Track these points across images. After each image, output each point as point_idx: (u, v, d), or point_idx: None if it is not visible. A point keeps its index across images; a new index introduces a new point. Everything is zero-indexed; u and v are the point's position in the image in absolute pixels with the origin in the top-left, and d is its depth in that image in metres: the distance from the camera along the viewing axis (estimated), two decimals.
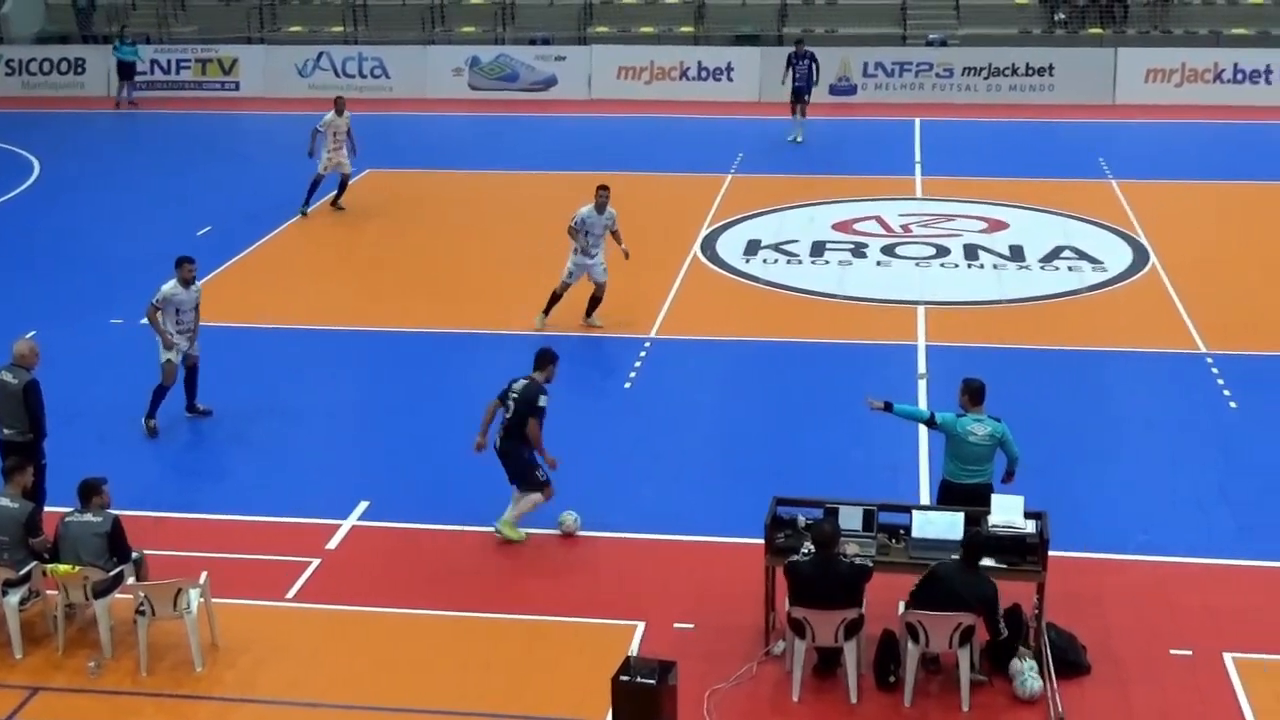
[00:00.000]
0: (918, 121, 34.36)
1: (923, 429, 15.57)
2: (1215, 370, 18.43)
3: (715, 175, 29.11)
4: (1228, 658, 12.10)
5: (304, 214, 26.56)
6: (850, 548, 11.99)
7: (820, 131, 32.61)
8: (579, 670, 12.04)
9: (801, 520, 12.49)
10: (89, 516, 12.44)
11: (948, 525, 12.07)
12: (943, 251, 23.79)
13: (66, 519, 12.49)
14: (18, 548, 12.48)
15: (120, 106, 37.86)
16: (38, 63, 40.12)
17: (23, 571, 12.46)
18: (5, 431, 13.97)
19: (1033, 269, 22.87)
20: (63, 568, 12.28)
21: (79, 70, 39.85)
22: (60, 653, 12.40)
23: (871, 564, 11.86)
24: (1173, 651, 12.23)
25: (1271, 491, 15.22)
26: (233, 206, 27.36)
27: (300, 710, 11.69)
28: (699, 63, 38.10)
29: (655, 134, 34.11)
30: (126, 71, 37.90)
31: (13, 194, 29.10)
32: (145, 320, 17.07)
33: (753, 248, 24.07)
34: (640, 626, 12.68)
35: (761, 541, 12.40)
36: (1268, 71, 36.09)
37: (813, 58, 32.47)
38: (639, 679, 10.72)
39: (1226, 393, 17.75)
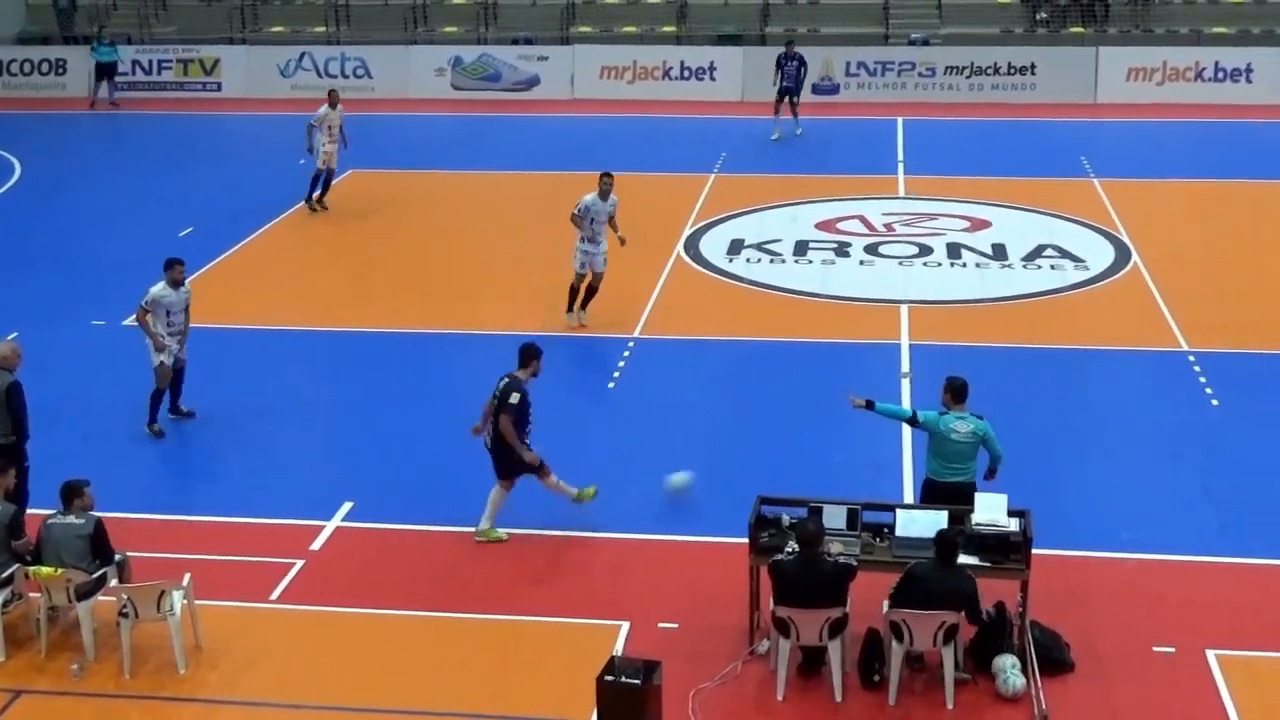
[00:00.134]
0: (900, 121, 34.41)
1: (906, 428, 15.59)
2: (1197, 368, 18.49)
3: (698, 175, 29.12)
4: (1210, 654, 12.14)
5: (320, 207, 26.73)
6: (834, 547, 12.01)
7: (803, 131, 32.61)
8: (564, 670, 12.04)
9: (786, 519, 12.51)
10: (71, 519, 12.41)
11: (931, 524, 12.08)
12: (926, 250, 23.83)
13: (49, 521, 12.45)
14: (0, 550, 12.44)
15: (96, 107, 37.74)
16: (18, 63, 39.99)
17: (5, 574, 12.42)
18: None
19: (1015, 268, 22.92)
20: (45, 570, 12.24)
21: (60, 71, 39.73)
22: (43, 655, 12.36)
23: (856, 563, 11.88)
24: (1156, 648, 12.27)
25: (1253, 488, 15.28)
26: (215, 207, 27.30)
27: (284, 712, 11.66)
28: (681, 62, 38.11)
29: (638, 134, 34.11)
30: (105, 72, 37.81)
31: None
32: (134, 322, 16.96)
33: (736, 247, 24.09)
34: (625, 626, 12.68)
35: (746, 541, 12.41)
36: (1248, 70, 36.22)
37: (801, 59, 32.58)
38: (624, 679, 10.72)
39: (1209, 390, 17.81)
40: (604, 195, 19.90)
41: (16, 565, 12.46)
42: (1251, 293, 21.47)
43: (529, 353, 14.26)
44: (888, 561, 12.02)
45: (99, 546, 12.40)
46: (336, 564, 13.96)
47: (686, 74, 38.00)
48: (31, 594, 12.54)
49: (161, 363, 16.75)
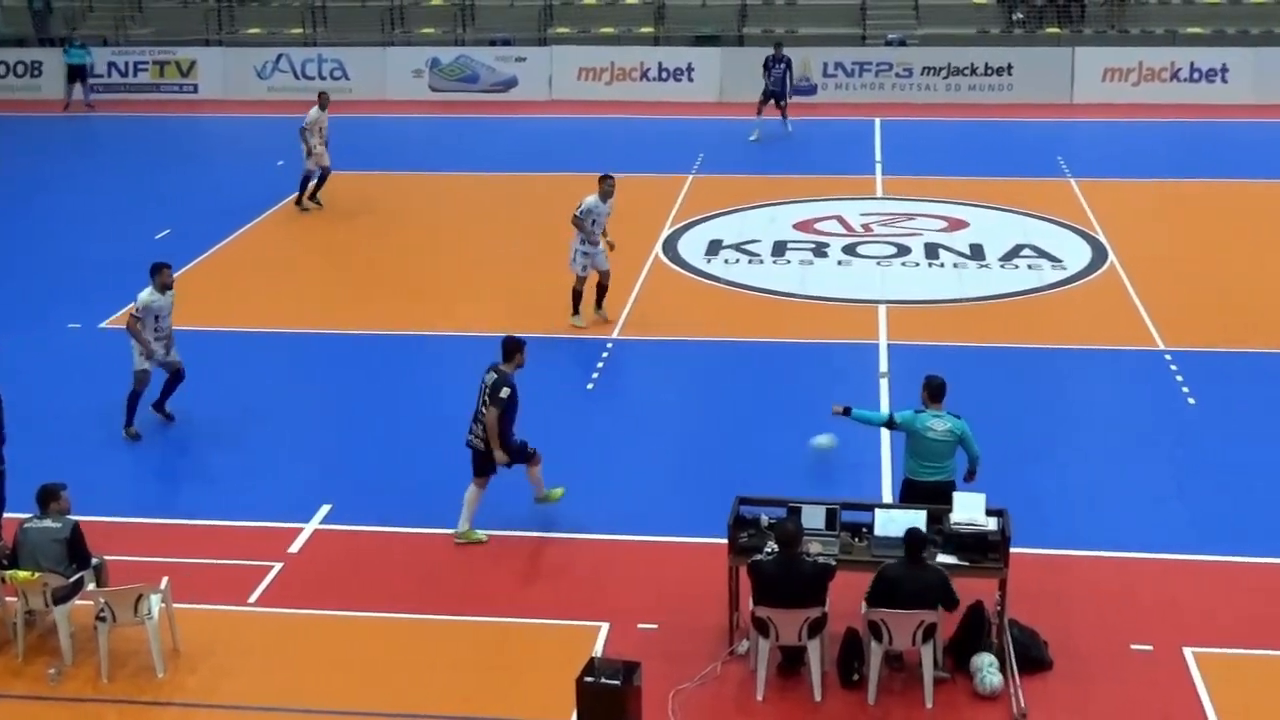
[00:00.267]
0: (878, 121, 34.47)
1: (884, 432, 15.63)
2: (1174, 367, 18.57)
3: (676, 175, 29.13)
4: (1187, 652, 12.20)
5: (315, 204, 26.91)
6: (813, 547, 12.02)
7: (781, 131, 32.67)
8: (543, 672, 12.03)
9: (764, 520, 12.52)
10: (48, 523, 12.35)
11: (910, 523, 12.08)
12: (903, 250, 23.88)
13: (25, 525, 12.40)
14: None
15: (70, 109, 37.60)
16: None
17: None
18: None
19: (993, 267, 22.99)
20: (22, 574, 12.18)
21: (35, 73, 39.56)
22: (20, 660, 12.31)
23: (835, 563, 11.89)
24: (1133, 646, 12.32)
25: (1230, 486, 15.35)
26: (192, 209, 27.22)
27: (263, 715, 11.64)
28: (659, 63, 38.13)
29: (616, 135, 34.10)
30: (76, 74, 37.67)
31: None
32: (125, 329, 16.78)
33: (714, 248, 24.11)
34: (604, 628, 12.68)
35: (725, 541, 12.42)
36: (1224, 70, 36.38)
37: (789, 62, 32.71)
38: (604, 680, 10.73)
39: (1185, 389, 17.88)
40: (605, 197, 19.96)
41: None
42: (1227, 291, 21.56)
43: (514, 346, 14.25)
44: (867, 561, 12.04)
45: (76, 550, 12.35)
46: (315, 566, 13.93)
47: (664, 75, 38.02)
48: (8, 598, 12.48)
49: (145, 370, 16.69)
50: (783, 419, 17.19)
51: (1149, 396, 17.86)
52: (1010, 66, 36.94)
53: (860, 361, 18.91)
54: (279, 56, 39.03)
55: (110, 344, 19.78)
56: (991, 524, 12.18)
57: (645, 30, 39.97)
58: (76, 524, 12.41)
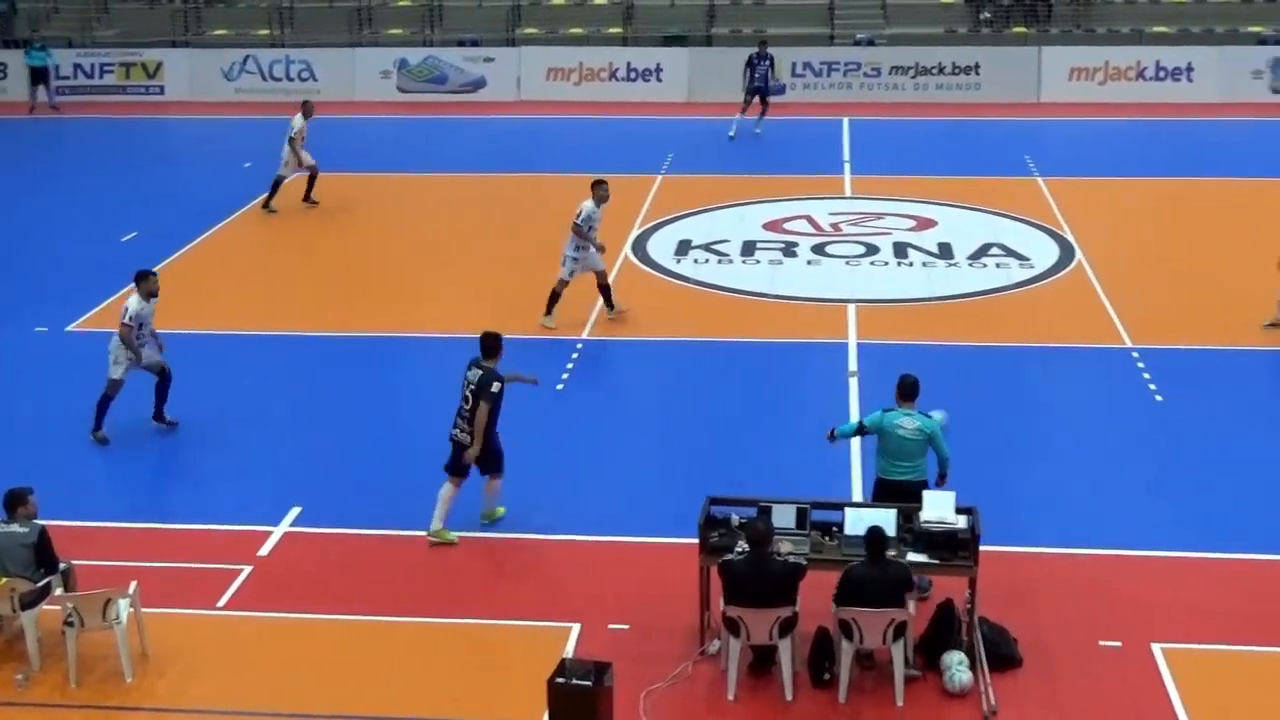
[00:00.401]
0: (846, 121, 34.55)
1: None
2: (1141, 364, 18.67)
3: (645, 176, 29.12)
4: (1156, 648, 12.26)
5: (313, 201, 26.99)
6: (784, 546, 12.04)
7: (750, 131, 32.72)
8: (515, 673, 12.02)
9: (735, 519, 12.53)
10: (15, 527, 12.27)
11: (880, 522, 12.11)
12: (872, 250, 23.94)
13: None
14: None
15: (35, 112, 37.37)
16: None
17: None
18: None
19: (961, 266, 23.07)
20: None
21: (0, 75, 39.32)
22: None
23: (805, 562, 11.92)
24: (1102, 643, 12.38)
25: (1197, 483, 15.43)
26: (159, 211, 27.10)
27: (232, 719, 11.58)
28: (628, 63, 38.13)
29: (585, 135, 34.09)
30: (39, 77, 37.46)
31: None
32: (120, 339, 16.59)
33: (683, 248, 24.12)
34: (575, 628, 12.67)
35: (696, 541, 12.43)
36: (1189, 69, 36.59)
37: (772, 59, 33.08)
38: (575, 681, 10.73)
39: (1152, 386, 17.98)
40: (601, 201, 20.05)
41: None
42: (1192, 289, 21.69)
43: (496, 342, 14.27)
44: (837, 560, 12.05)
45: (43, 555, 12.27)
46: (285, 570, 13.88)
47: (633, 75, 38.03)
48: None
49: (119, 379, 16.58)
50: (753, 419, 17.21)
51: (1116, 394, 17.95)
52: (978, 66, 37.07)
53: (830, 361, 18.95)
54: (246, 58, 38.87)
55: (78, 347, 19.73)
56: (961, 522, 12.22)
57: (614, 31, 39.96)
58: (44, 528, 12.33)
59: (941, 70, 37.17)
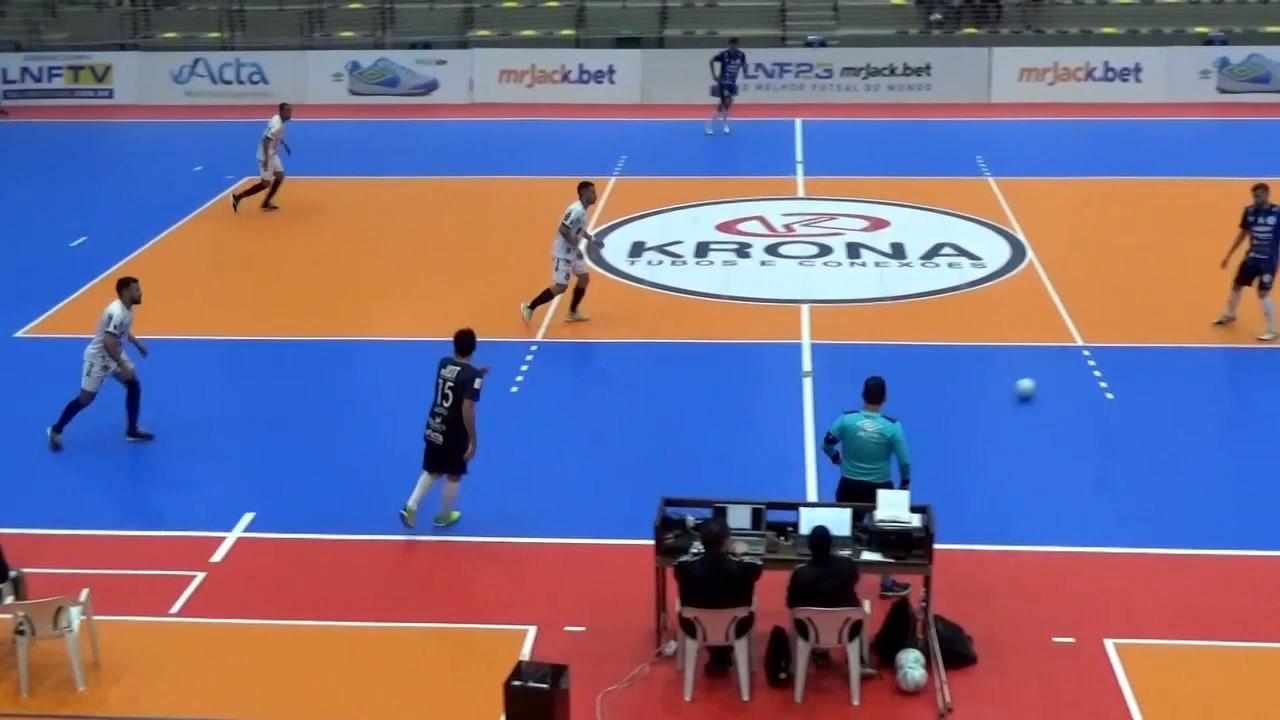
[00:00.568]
0: (799, 122, 34.65)
1: (809, 428, 15.86)
2: (1092, 362, 18.81)
3: (599, 177, 28.89)
4: (1109, 644, 12.36)
5: (272, 206, 26.92)
6: (739, 546, 12.06)
7: (702, 132, 32.78)
8: (471, 677, 11.99)
9: (690, 520, 12.54)
10: None
11: (835, 522, 12.17)
12: (825, 250, 24.02)
13: None
14: None
15: None
16: None
17: None
18: None
19: (914, 266, 23.18)
20: None
21: None
22: None
23: (761, 562, 11.95)
24: (1056, 639, 12.46)
25: (1148, 479, 15.57)
26: (108, 216, 26.89)
27: None
28: (580, 65, 38.12)
29: (538, 137, 34.06)
30: None
31: None
32: (103, 349, 16.38)
33: (637, 250, 24.13)
34: (531, 631, 12.65)
35: (651, 543, 12.43)
36: (1137, 69, 36.90)
37: (743, 57, 33.55)
38: (531, 684, 10.71)
39: (1103, 384, 18.12)
40: (588, 203, 20.19)
41: None
42: (1141, 287, 21.86)
43: (473, 337, 14.36)
44: (793, 560, 12.08)
45: None
46: (238, 575, 13.80)
47: (586, 77, 38.02)
48: None
49: (93, 391, 16.42)
50: (708, 420, 17.24)
51: (1068, 392, 18.07)
52: (929, 67, 37.27)
53: (784, 361, 19.00)
54: (196, 61, 38.62)
55: (27, 354, 19.57)
56: (915, 521, 12.28)
57: (566, 33, 39.93)
58: None
59: (893, 71, 37.34)
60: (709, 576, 11.59)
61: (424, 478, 14.34)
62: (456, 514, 14.57)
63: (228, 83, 38.11)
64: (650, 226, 25.58)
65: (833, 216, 26.13)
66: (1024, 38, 38.79)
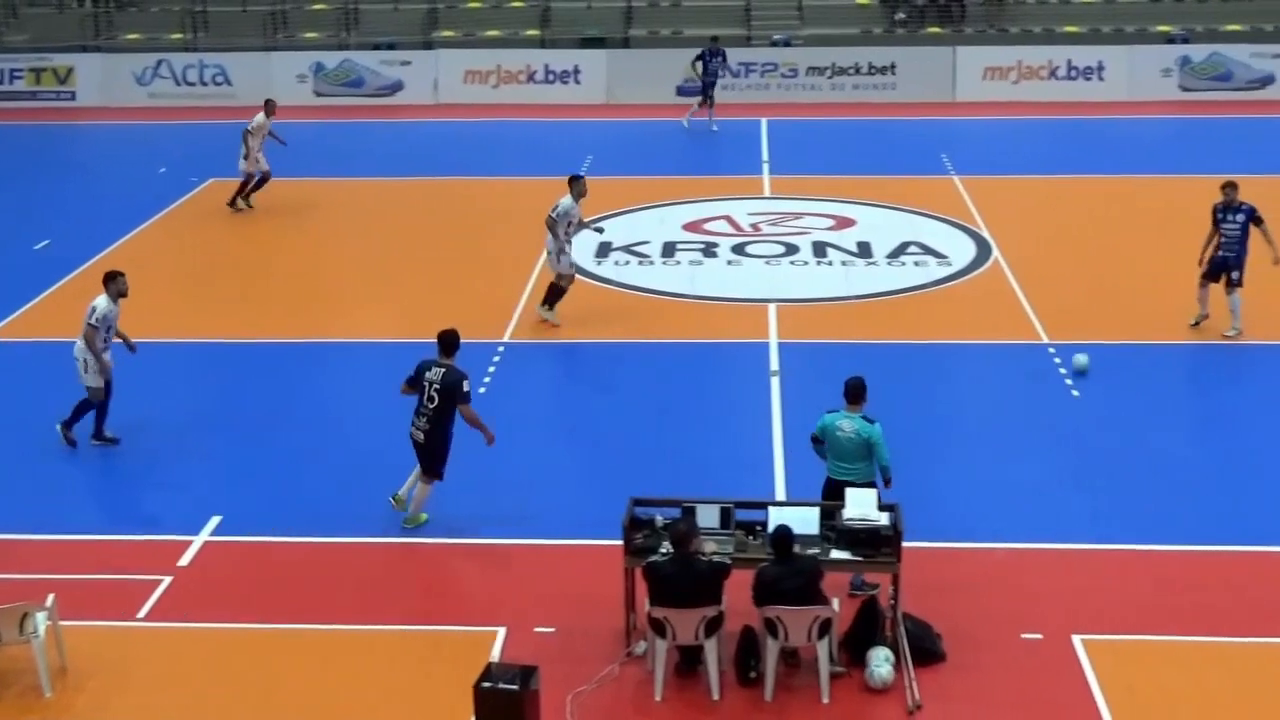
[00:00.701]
0: (764, 121, 34.70)
1: (776, 426, 15.85)
2: (1057, 360, 18.89)
3: (564, 178, 28.95)
4: (1076, 639, 12.42)
5: (246, 205, 26.87)
6: (708, 546, 12.08)
7: (668, 132, 32.80)
8: (441, 679, 11.96)
9: (659, 520, 12.55)
10: None
11: (803, 520, 12.21)
12: (792, 249, 24.07)
13: None
14: None
15: None
16: None
17: None
18: None
19: (880, 265, 23.24)
20: None
21: None
22: None
23: (730, 561, 11.96)
24: (1024, 635, 12.52)
25: (1114, 477, 15.65)
26: (72, 218, 26.72)
27: None
28: (546, 66, 38.08)
29: (503, 138, 34.01)
30: None
31: None
32: (83, 339, 16.31)
33: (604, 250, 24.11)
34: (501, 632, 12.64)
35: (620, 543, 12.43)
36: (1100, 68, 37.10)
37: (724, 55, 33.97)
38: (501, 685, 10.70)
39: (1069, 382, 18.20)
40: (579, 197, 20.29)
41: None
42: (1106, 285, 21.96)
43: (457, 338, 14.41)
44: (761, 559, 12.10)
45: None
46: (205, 579, 13.73)
47: (551, 77, 37.99)
48: None
49: (99, 385, 16.31)
50: (676, 419, 17.25)
51: (1034, 389, 18.15)
52: (893, 66, 37.39)
53: (751, 360, 19.02)
54: (159, 62, 38.38)
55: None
56: (883, 519, 12.32)
57: (531, 33, 39.89)
58: None
59: (858, 70, 37.45)
60: (678, 576, 11.59)
61: (417, 470, 14.45)
62: (424, 516, 14.55)
63: (191, 84, 37.91)
64: (617, 226, 25.55)
65: (799, 216, 26.18)
66: (988, 37, 38.95)
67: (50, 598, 12.15)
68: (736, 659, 11.93)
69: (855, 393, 13.05)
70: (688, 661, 11.99)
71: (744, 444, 16.32)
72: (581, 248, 24.12)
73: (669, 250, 24.13)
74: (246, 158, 26.64)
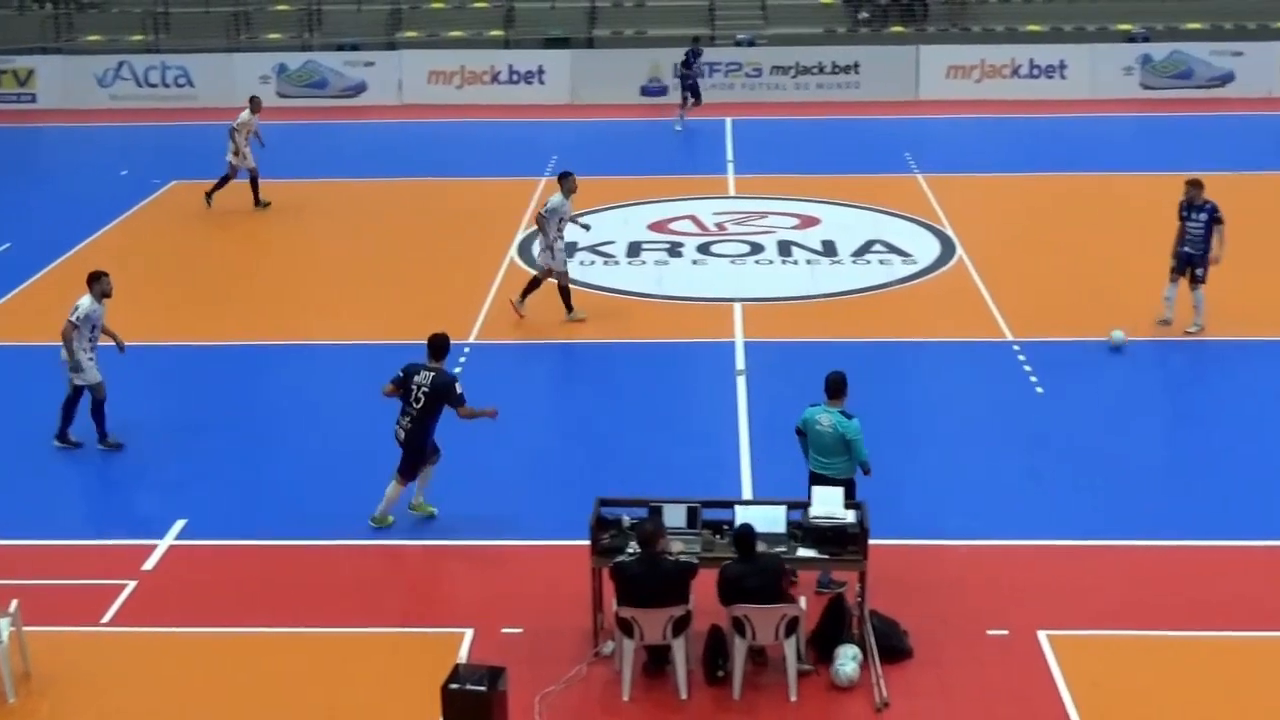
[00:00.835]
0: (729, 121, 34.75)
1: (744, 425, 15.76)
2: (1022, 357, 18.98)
3: (529, 179, 29.05)
4: (1041, 635, 12.48)
5: (209, 204, 26.82)
6: (675, 545, 12.09)
7: (633, 132, 32.81)
8: (409, 680, 11.93)
9: (626, 520, 12.56)
10: None
11: (769, 519, 12.23)
12: (757, 249, 24.11)
13: None
14: None
15: None
16: None
17: None
18: None
19: (845, 263, 23.30)
20: None
21: None
22: None
23: (697, 560, 11.97)
24: (990, 631, 12.57)
25: (1078, 473, 15.73)
26: (33, 222, 26.53)
27: None
28: (510, 66, 38.05)
29: (468, 138, 33.97)
30: None
31: None
32: (61, 336, 16.18)
33: (569, 250, 24.02)
34: (469, 634, 12.62)
35: (587, 543, 12.43)
36: (1062, 66, 37.32)
37: (699, 55, 34.54)
38: (469, 686, 10.69)
39: (1033, 379, 18.29)
40: (569, 194, 20.31)
41: None
42: (1068, 282, 22.07)
43: (447, 341, 14.45)
44: (728, 558, 12.11)
45: None
46: (170, 583, 13.66)
47: (515, 78, 37.96)
48: None
49: (99, 380, 16.16)
50: (642, 419, 17.26)
51: (999, 387, 18.23)
52: (857, 65, 37.52)
53: (717, 359, 19.04)
54: (120, 64, 38.17)
55: None
56: (850, 517, 12.36)
57: (495, 34, 39.85)
58: None
59: (821, 70, 37.56)
60: (645, 576, 11.60)
61: (426, 471, 14.50)
62: (391, 518, 14.52)
63: (153, 86, 37.71)
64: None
65: (764, 215, 26.23)
66: (950, 35, 39.13)
67: (14, 603, 12.06)
68: (704, 658, 11.94)
69: (835, 388, 13.08)
70: (655, 661, 12.00)
71: (710, 443, 16.34)
72: None
73: (634, 250, 24.14)
74: (236, 154, 26.52)
